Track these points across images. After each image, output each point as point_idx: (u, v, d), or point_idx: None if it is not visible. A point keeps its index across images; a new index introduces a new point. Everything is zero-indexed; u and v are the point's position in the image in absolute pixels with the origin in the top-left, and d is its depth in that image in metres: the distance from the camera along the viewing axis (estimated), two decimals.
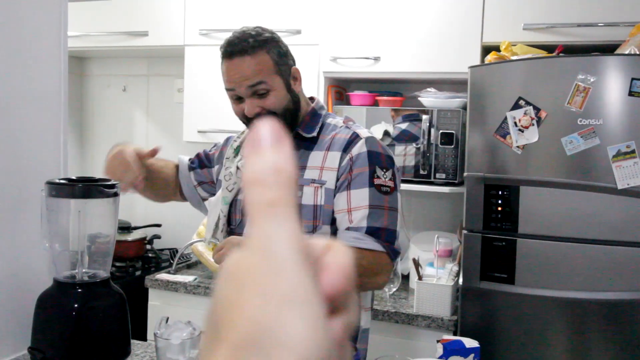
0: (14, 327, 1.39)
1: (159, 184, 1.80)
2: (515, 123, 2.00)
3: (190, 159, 1.86)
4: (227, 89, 1.52)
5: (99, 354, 1.31)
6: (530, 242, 2.00)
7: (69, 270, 1.36)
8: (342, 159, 1.51)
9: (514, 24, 2.32)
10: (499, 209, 2.04)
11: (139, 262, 3.02)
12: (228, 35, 2.72)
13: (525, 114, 1.98)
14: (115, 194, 1.33)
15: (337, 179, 1.51)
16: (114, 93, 3.43)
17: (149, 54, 3.22)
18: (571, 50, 2.26)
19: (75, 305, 1.30)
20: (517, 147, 2.00)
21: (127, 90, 3.40)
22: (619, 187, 1.88)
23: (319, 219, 1.51)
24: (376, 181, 1.50)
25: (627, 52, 1.99)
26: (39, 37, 1.47)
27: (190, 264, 2.95)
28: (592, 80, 1.90)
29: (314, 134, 1.56)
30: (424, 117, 2.42)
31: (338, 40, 2.61)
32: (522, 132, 1.99)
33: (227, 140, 1.78)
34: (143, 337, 2.70)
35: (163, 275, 2.72)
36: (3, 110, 1.38)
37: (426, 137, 2.42)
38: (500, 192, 2.04)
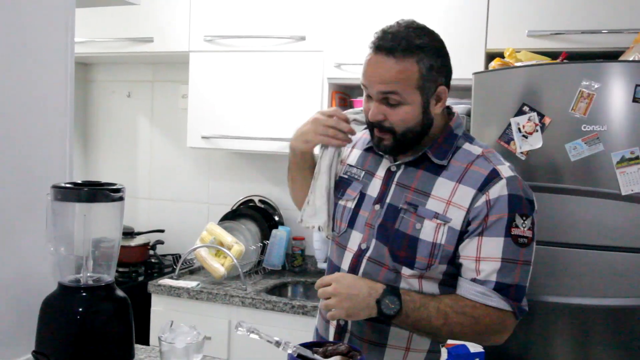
0: (19, 330, 1.39)
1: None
2: (519, 129, 2.00)
3: None
4: (362, 83, 1.39)
5: (103, 358, 1.31)
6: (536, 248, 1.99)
7: (74, 274, 1.36)
8: (475, 198, 1.33)
9: (518, 31, 2.32)
10: None
11: (142, 268, 3.02)
12: (232, 41, 2.76)
13: (529, 120, 1.99)
14: (121, 198, 1.34)
15: (466, 222, 1.34)
16: (118, 99, 3.45)
17: (153, 60, 3.24)
18: (575, 56, 2.27)
19: (80, 309, 1.30)
20: (521, 153, 2.00)
21: (131, 96, 3.42)
22: (623, 193, 1.88)
23: (436, 259, 1.36)
24: (514, 231, 1.32)
25: (631, 59, 2.00)
26: (45, 42, 1.48)
27: (192, 269, 2.96)
28: (596, 86, 1.90)
29: (445, 162, 1.39)
30: None
31: (342, 46, 2.62)
32: (526, 138, 1.99)
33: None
34: (146, 342, 2.69)
35: (166, 281, 2.72)
36: (9, 116, 1.39)
37: None
38: None
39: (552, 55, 2.27)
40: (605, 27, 2.21)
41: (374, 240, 1.42)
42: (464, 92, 2.45)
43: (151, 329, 2.70)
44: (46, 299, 1.33)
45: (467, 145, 1.43)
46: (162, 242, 3.15)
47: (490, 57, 2.36)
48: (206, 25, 2.82)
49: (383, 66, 1.33)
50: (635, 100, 1.87)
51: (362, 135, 1.60)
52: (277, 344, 1.13)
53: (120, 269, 2.94)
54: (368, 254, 1.42)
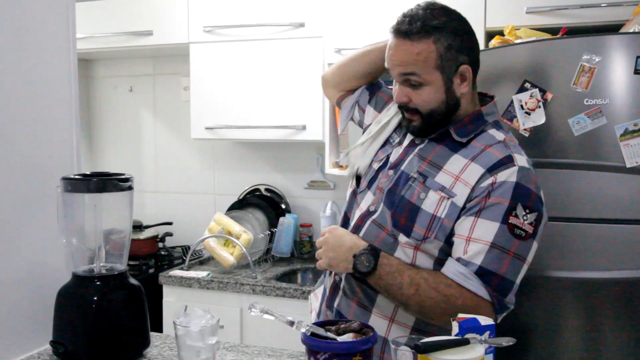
0: (35, 322, 1.41)
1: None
2: (521, 106, 2.01)
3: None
4: (387, 68, 1.45)
5: (119, 345, 1.34)
6: None
7: (87, 265, 1.39)
8: (482, 178, 1.32)
9: (516, 8, 2.32)
10: None
11: (151, 260, 3.05)
12: (232, 31, 2.77)
13: (531, 96, 1.99)
14: (130, 187, 1.35)
15: (469, 199, 1.32)
16: (120, 94, 3.46)
17: (154, 53, 3.25)
18: (575, 31, 2.26)
19: (95, 298, 1.32)
20: (525, 129, 2.01)
21: (133, 91, 3.43)
22: (628, 165, 1.88)
23: (433, 232, 1.34)
24: (511, 220, 1.29)
25: (631, 31, 1.99)
26: (47, 37, 1.50)
27: (202, 260, 2.98)
28: (597, 60, 1.90)
29: (465, 139, 1.40)
30: None
31: (342, 31, 2.62)
32: (529, 114, 2.00)
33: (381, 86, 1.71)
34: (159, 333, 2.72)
35: (177, 272, 2.74)
36: (16, 112, 1.40)
37: None
38: None
39: (552, 31, 2.26)
40: (604, 0, 2.21)
41: (381, 205, 1.44)
42: None
43: (164, 320, 2.73)
44: (61, 290, 1.36)
45: (492, 131, 1.42)
46: (170, 234, 3.17)
47: (490, 35, 2.36)
48: (205, 16, 2.82)
49: (401, 49, 1.37)
50: (636, 72, 1.87)
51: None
52: (291, 323, 1.15)
53: (131, 262, 2.96)
54: (374, 216, 1.44)
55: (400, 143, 1.52)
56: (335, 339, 1.13)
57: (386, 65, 1.43)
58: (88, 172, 1.39)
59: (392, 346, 1.13)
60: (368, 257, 1.34)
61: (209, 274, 2.70)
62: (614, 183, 1.91)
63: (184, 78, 3.18)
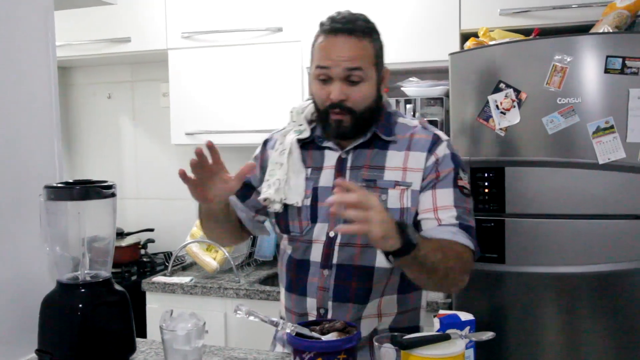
0: (20, 330, 1.41)
1: (232, 223, 1.62)
2: (497, 106, 2.05)
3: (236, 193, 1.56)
4: (319, 66, 1.42)
5: (105, 352, 1.34)
6: (518, 221, 2.05)
7: (71, 272, 1.39)
8: (427, 159, 1.44)
9: (490, 10, 2.37)
10: (486, 190, 2.09)
11: (134, 267, 3.04)
12: (210, 37, 2.78)
13: (506, 96, 2.04)
14: (113, 195, 1.36)
15: (423, 179, 1.44)
16: (99, 101, 3.45)
17: (132, 60, 3.24)
18: (547, 32, 2.32)
19: (80, 306, 1.32)
20: (500, 129, 2.05)
21: (112, 98, 3.42)
22: (600, 162, 1.94)
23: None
24: (459, 182, 1.44)
25: (601, 31, 2.05)
26: (27, 45, 1.50)
27: (185, 265, 2.98)
28: (568, 60, 1.96)
29: (393, 137, 1.48)
30: (408, 106, 2.47)
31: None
32: (504, 114, 2.04)
33: (265, 144, 1.64)
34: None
35: (159, 278, 2.74)
36: None
37: None
38: (486, 175, 2.09)
39: (525, 32, 2.32)
40: (575, 1, 2.27)
41: (341, 226, 1.39)
42: (442, 73, 2.49)
43: (148, 327, 2.73)
44: (46, 298, 1.36)
45: (401, 120, 1.53)
46: (152, 241, 3.17)
47: (465, 37, 2.40)
48: (183, 22, 2.83)
49: (347, 44, 1.39)
50: (607, 71, 1.93)
51: (277, 139, 1.59)
52: (276, 324, 1.17)
53: (113, 270, 2.86)
54: (338, 240, 1.45)
55: (319, 169, 1.50)
56: (319, 339, 1.15)
57: (322, 63, 1.41)
58: (70, 180, 1.40)
59: (375, 344, 1.15)
60: (412, 229, 1.25)
61: (192, 280, 2.70)
62: (587, 179, 1.96)
63: (163, 84, 3.18)
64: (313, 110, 1.53)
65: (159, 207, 3.36)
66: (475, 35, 2.34)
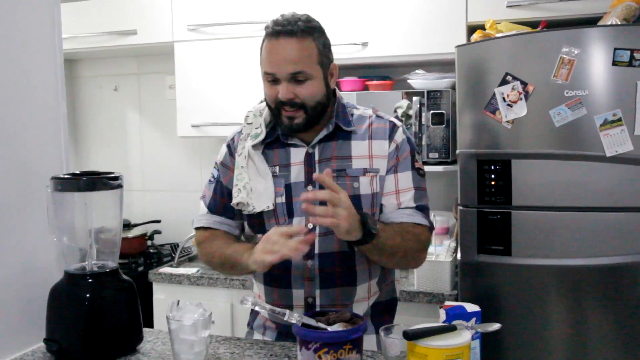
0: (28, 320, 1.42)
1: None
2: (503, 99, 2.04)
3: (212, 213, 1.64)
4: (266, 72, 1.47)
5: (112, 341, 1.35)
6: (525, 213, 2.05)
7: (79, 262, 1.40)
8: (389, 146, 1.54)
9: (497, 3, 2.36)
10: (493, 183, 2.09)
11: (141, 259, 3.05)
12: (216, 29, 2.78)
13: (513, 89, 2.03)
14: (120, 186, 1.37)
15: (387, 165, 1.54)
16: (105, 93, 3.46)
17: (138, 52, 3.24)
18: (554, 25, 2.31)
19: (87, 296, 1.33)
20: (507, 122, 2.04)
21: (118, 90, 3.43)
22: (608, 154, 1.93)
23: (376, 207, 1.53)
24: (416, 164, 1.55)
25: (609, 23, 2.04)
26: (34, 37, 1.50)
27: (191, 256, 3.00)
28: (576, 52, 1.95)
29: (353, 127, 1.55)
30: (414, 98, 2.46)
31: (325, 27, 2.63)
32: (511, 107, 2.03)
33: (229, 148, 1.64)
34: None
35: (166, 269, 2.76)
36: (3, 112, 1.41)
37: (417, 118, 2.47)
38: (492, 167, 2.08)
39: (532, 24, 2.31)
40: None
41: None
42: (448, 66, 2.49)
43: (155, 317, 2.74)
44: (53, 288, 1.37)
45: (356, 111, 1.59)
46: (159, 232, 3.18)
47: (472, 30, 2.40)
48: (189, 15, 2.83)
49: (288, 47, 1.43)
50: (614, 63, 1.92)
51: (238, 139, 1.61)
52: (282, 314, 1.18)
53: (120, 261, 2.91)
54: (317, 231, 1.50)
55: (287, 166, 1.54)
56: (325, 329, 1.16)
57: (268, 68, 1.46)
58: (77, 172, 1.40)
59: (381, 334, 1.15)
60: (373, 220, 1.40)
61: (198, 271, 2.71)
62: (594, 172, 1.95)
63: (169, 77, 3.18)
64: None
65: (165, 199, 3.38)
66: (482, 27, 2.33)
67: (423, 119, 2.47)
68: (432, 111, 2.45)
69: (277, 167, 1.55)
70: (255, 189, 1.53)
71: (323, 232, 1.50)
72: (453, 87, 2.43)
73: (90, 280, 1.36)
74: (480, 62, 2.10)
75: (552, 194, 2.01)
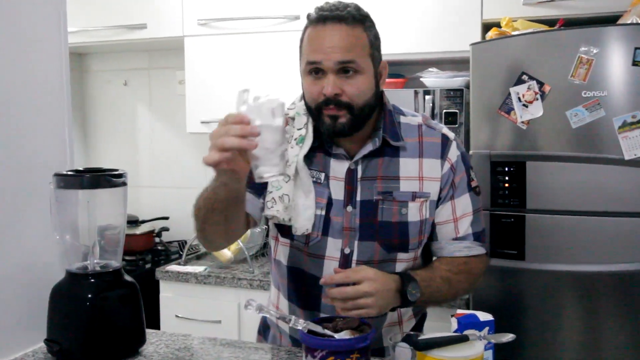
0: (30, 320, 1.40)
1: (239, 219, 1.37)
2: (519, 98, 1.99)
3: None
4: (310, 62, 1.29)
5: (114, 343, 1.32)
6: (539, 217, 2.00)
7: (81, 262, 1.37)
8: (442, 166, 1.38)
9: (513, 0, 2.30)
10: (506, 185, 2.04)
11: (148, 255, 3.03)
12: (226, 24, 2.74)
13: (528, 89, 1.98)
14: (124, 183, 1.33)
15: (441, 189, 1.39)
16: (115, 88, 3.43)
17: (148, 47, 3.22)
18: (572, 23, 2.25)
19: (89, 296, 1.30)
20: (522, 122, 2.00)
21: (128, 85, 3.40)
22: (626, 157, 1.87)
23: (424, 234, 1.40)
24: (472, 184, 1.43)
25: (629, 22, 1.98)
26: (38, 30, 1.47)
27: (199, 254, 2.97)
28: (594, 51, 1.89)
29: (402, 142, 1.38)
30: (427, 97, 2.41)
31: None
32: (527, 107, 1.98)
33: None
34: (156, 329, 2.70)
35: (173, 267, 2.73)
36: (7, 106, 1.38)
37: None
38: (506, 169, 2.04)
39: (549, 22, 2.25)
40: None
41: (356, 242, 1.37)
42: (462, 64, 2.44)
43: (161, 316, 2.72)
44: (55, 287, 1.34)
45: (403, 119, 1.42)
46: (167, 229, 3.16)
47: (487, 27, 2.34)
48: (199, 9, 2.79)
49: (337, 34, 1.27)
50: (634, 63, 1.86)
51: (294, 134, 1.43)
52: (287, 320, 1.14)
53: (127, 258, 2.95)
54: (354, 257, 1.38)
55: (328, 178, 1.39)
56: (332, 337, 1.12)
57: (312, 57, 1.28)
58: (81, 168, 1.37)
59: (390, 343, 1.11)
60: (413, 285, 1.29)
61: (206, 269, 2.68)
62: (612, 176, 1.90)
63: (179, 72, 3.15)
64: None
65: (174, 196, 3.35)
66: (498, 25, 2.27)
67: (435, 119, 2.42)
68: (444, 110, 2.41)
69: (323, 175, 1.39)
70: (296, 207, 1.36)
71: (361, 259, 1.37)
72: (467, 86, 2.37)
73: (92, 280, 1.33)
74: (495, 61, 2.04)
75: (568, 198, 1.96)
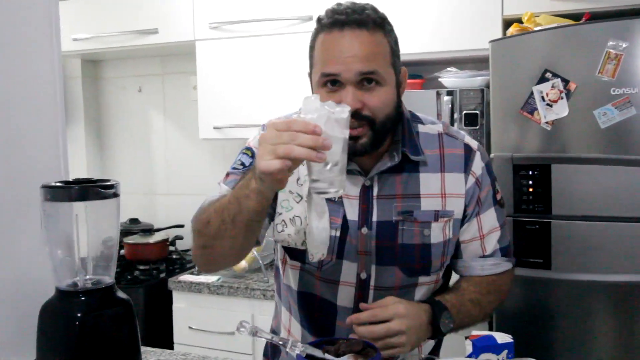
0: (19, 338, 1.33)
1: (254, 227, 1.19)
2: (542, 97, 1.88)
3: None
4: (325, 74, 1.15)
5: None
6: (566, 223, 1.88)
7: (72, 278, 1.29)
8: (466, 181, 1.27)
9: None
10: (530, 190, 1.92)
11: (162, 265, 2.96)
12: (238, 27, 2.66)
13: (553, 87, 1.86)
14: (115, 195, 1.25)
15: (466, 207, 1.28)
16: (129, 94, 3.39)
17: (162, 52, 3.17)
18: (599, 17, 2.12)
19: (78, 315, 1.22)
20: (546, 123, 1.88)
21: (142, 91, 3.36)
22: None
23: (447, 255, 1.30)
24: (497, 196, 1.33)
25: None
26: (30, 36, 1.41)
27: None
28: (623, 46, 1.76)
29: (422, 156, 1.26)
30: (446, 98, 2.30)
31: None
32: (551, 106, 1.87)
33: None
34: (170, 341, 2.65)
35: (186, 277, 2.66)
36: None
37: (449, 119, 2.30)
38: (530, 172, 1.92)
39: (574, 17, 2.12)
40: None
41: (373, 267, 1.26)
42: (482, 63, 2.32)
43: (174, 327, 2.65)
44: (44, 305, 1.26)
45: (421, 128, 1.30)
46: (181, 238, 3.09)
47: (508, 24, 2.23)
48: (211, 12, 2.73)
49: (357, 42, 1.13)
50: None
51: None
52: (284, 344, 1.05)
53: (141, 267, 2.90)
54: (372, 283, 1.27)
55: (341, 196, 1.25)
56: None
57: (328, 69, 1.15)
58: (71, 179, 1.30)
59: None
60: (446, 315, 1.20)
61: (219, 279, 2.61)
62: None
63: (192, 77, 3.09)
64: None
65: (188, 203, 3.25)
66: (519, 21, 2.16)
67: (455, 120, 2.31)
68: (464, 112, 2.29)
69: None
70: (310, 230, 1.23)
71: (380, 285, 1.27)
72: (487, 86, 2.26)
73: (82, 297, 1.25)
74: (517, 58, 1.93)
75: (597, 203, 1.83)
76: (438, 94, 2.30)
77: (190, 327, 2.59)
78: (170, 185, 3.34)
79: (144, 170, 3.37)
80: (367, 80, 1.14)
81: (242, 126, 2.72)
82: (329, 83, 1.17)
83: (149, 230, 3.04)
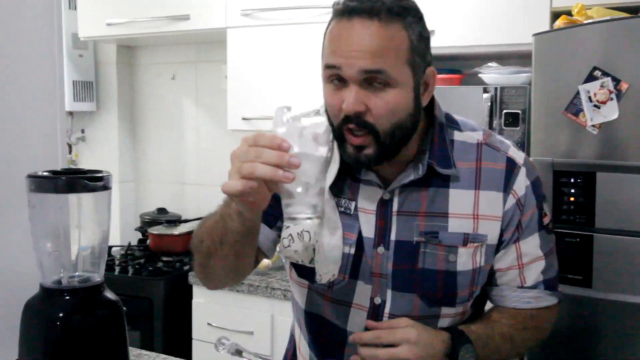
0: (3, 334, 1.26)
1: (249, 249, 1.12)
2: (589, 98, 1.71)
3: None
4: (328, 65, 1.03)
5: None
6: (610, 237, 1.71)
7: (59, 275, 1.21)
8: (505, 201, 1.11)
9: None
10: (572, 199, 1.76)
11: (187, 257, 2.90)
12: (270, 14, 2.56)
13: (601, 86, 1.69)
14: (105, 187, 1.17)
15: (502, 231, 1.13)
16: (163, 82, 3.35)
17: (195, 39, 3.11)
18: None
19: (61, 315, 1.15)
20: (593, 126, 1.71)
21: (176, 79, 3.31)
22: None
23: (477, 285, 1.14)
24: (544, 221, 1.16)
25: None
26: (31, 23, 1.34)
27: None
28: None
29: (453, 170, 1.11)
30: (485, 95, 2.14)
31: None
32: (599, 108, 1.70)
33: None
34: (188, 335, 2.59)
35: None
36: None
37: (488, 118, 2.14)
38: (572, 180, 1.76)
39: (631, 9, 1.94)
40: None
41: (389, 292, 1.13)
42: (527, 59, 2.14)
43: (193, 323, 2.58)
44: (27, 303, 1.19)
45: (458, 135, 1.14)
46: None
47: (556, 16, 2.05)
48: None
49: (365, 33, 0.98)
50: None
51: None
52: None
53: (165, 259, 2.85)
54: (387, 309, 1.14)
55: (357, 208, 1.13)
56: None
57: (332, 61, 1.02)
58: (59, 169, 1.22)
59: None
60: (467, 347, 1.07)
61: None
62: None
63: (224, 66, 3.01)
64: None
65: (217, 195, 3.20)
66: (569, 13, 1.98)
67: (495, 119, 2.15)
68: (505, 110, 2.13)
69: (353, 204, 1.14)
70: (320, 247, 1.08)
71: (395, 313, 1.13)
72: (530, 84, 2.09)
73: (66, 297, 1.17)
74: (563, 54, 1.77)
75: None
76: (485, 90, 2.13)
77: (209, 324, 2.52)
78: (200, 175, 3.29)
79: (174, 159, 3.33)
80: (373, 79, 1.00)
81: (271, 118, 2.61)
82: (335, 80, 1.04)
83: (175, 221, 2.99)
